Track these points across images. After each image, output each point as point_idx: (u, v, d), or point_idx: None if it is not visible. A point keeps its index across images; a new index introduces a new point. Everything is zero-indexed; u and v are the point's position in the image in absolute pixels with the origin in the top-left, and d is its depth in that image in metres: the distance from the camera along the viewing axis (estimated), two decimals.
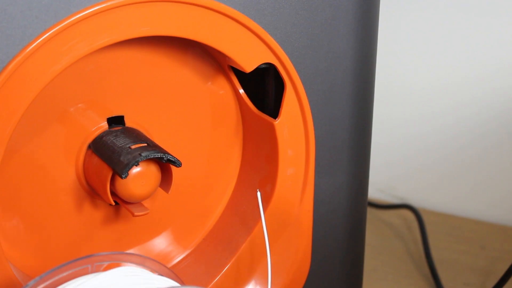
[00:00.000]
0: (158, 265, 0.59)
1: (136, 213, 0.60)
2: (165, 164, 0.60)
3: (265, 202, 0.67)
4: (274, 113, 0.65)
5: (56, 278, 0.54)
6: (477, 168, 1.05)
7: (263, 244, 0.64)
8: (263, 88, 0.66)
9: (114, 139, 0.60)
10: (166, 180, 0.61)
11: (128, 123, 0.62)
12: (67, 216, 0.63)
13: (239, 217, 0.68)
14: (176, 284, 0.56)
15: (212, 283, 0.67)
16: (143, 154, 0.58)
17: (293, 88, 0.64)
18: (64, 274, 0.54)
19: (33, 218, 0.61)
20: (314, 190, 0.68)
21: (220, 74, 0.65)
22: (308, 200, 0.68)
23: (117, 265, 0.57)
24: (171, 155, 0.59)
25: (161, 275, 0.59)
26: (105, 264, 0.56)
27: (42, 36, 0.53)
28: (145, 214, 0.61)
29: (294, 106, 0.64)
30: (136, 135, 0.61)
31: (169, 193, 0.61)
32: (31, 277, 0.61)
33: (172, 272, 0.60)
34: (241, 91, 0.66)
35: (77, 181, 0.62)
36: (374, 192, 1.08)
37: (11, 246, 0.61)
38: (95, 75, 0.60)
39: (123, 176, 0.58)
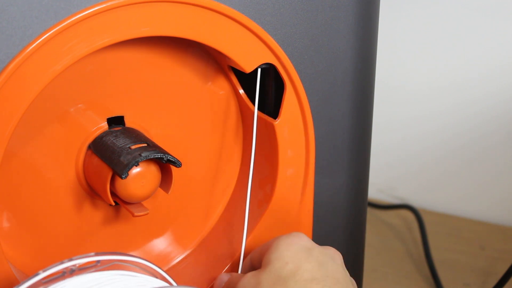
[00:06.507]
0: (149, 264, 0.59)
1: (136, 214, 0.60)
2: (165, 164, 0.60)
3: (265, 202, 0.67)
4: (274, 113, 0.65)
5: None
6: (477, 169, 1.05)
7: None
8: (263, 88, 0.66)
9: (114, 139, 0.60)
10: (166, 180, 0.61)
11: (128, 123, 0.62)
12: (67, 216, 0.63)
13: (239, 217, 0.68)
14: (165, 284, 0.56)
15: (212, 283, 0.67)
16: (143, 155, 0.58)
17: (293, 88, 0.64)
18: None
19: (33, 218, 0.61)
20: (314, 191, 0.68)
21: (220, 74, 0.65)
22: (308, 200, 0.68)
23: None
24: (171, 155, 0.59)
25: (152, 274, 0.58)
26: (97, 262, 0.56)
27: (42, 37, 0.53)
28: (145, 214, 0.61)
29: (294, 106, 0.64)
30: (136, 135, 0.61)
31: (169, 193, 0.61)
32: None
33: (161, 270, 0.60)
34: (241, 91, 0.66)
35: (77, 181, 0.62)
36: (374, 192, 1.08)
37: (11, 246, 0.61)
38: (95, 75, 0.60)
39: (123, 176, 0.58)
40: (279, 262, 0.58)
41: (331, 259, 0.59)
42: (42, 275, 0.53)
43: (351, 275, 0.61)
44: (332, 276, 0.58)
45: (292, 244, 0.59)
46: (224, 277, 0.65)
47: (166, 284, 0.56)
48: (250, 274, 0.59)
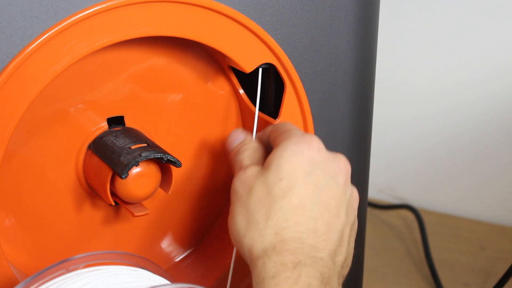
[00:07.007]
0: (147, 262, 0.59)
1: (136, 214, 0.60)
2: (165, 164, 0.60)
3: None
4: (274, 113, 0.65)
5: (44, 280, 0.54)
6: (477, 168, 1.05)
7: None
8: (263, 88, 0.66)
9: (114, 139, 0.60)
10: (166, 180, 0.61)
11: (128, 123, 0.62)
12: (67, 216, 0.63)
13: None
14: (166, 281, 0.56)
15: (212, 283, 0.67)
16: (143, 155, 0.58)
17: (293, 88, 0.64)
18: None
19: (33, 218, 0.61)
20: None
21: (220, 74, 0.65)
22: None
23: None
24: (171, 156, 0.59)
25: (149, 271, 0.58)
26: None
27: (42, 37, 0.53)
28: (145, 214, 0.61)
29: (294, 106, 0.64)
30: (136, 135, 0.61)
31: (169, 193, 0.61)
32: None
33: (158, 267, 0.60)
34: (241, 91, 0.66)
35: (77, 181, 0.62)
36: (374, 192, 1.08)
37: (11, 246, 0.61)
38: (95, 75, 0.60)
39: (123, 176, 0.58)
40: (274, 175, 0.55)
41: (332, 179, 0.56)
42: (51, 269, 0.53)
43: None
44: (323, 203, 0.55)
45: (297, 155, 0.55)
46: (240, 134, 0.62)
47: (167, 282, 0.56)
48: (250, 172, 0.56)
